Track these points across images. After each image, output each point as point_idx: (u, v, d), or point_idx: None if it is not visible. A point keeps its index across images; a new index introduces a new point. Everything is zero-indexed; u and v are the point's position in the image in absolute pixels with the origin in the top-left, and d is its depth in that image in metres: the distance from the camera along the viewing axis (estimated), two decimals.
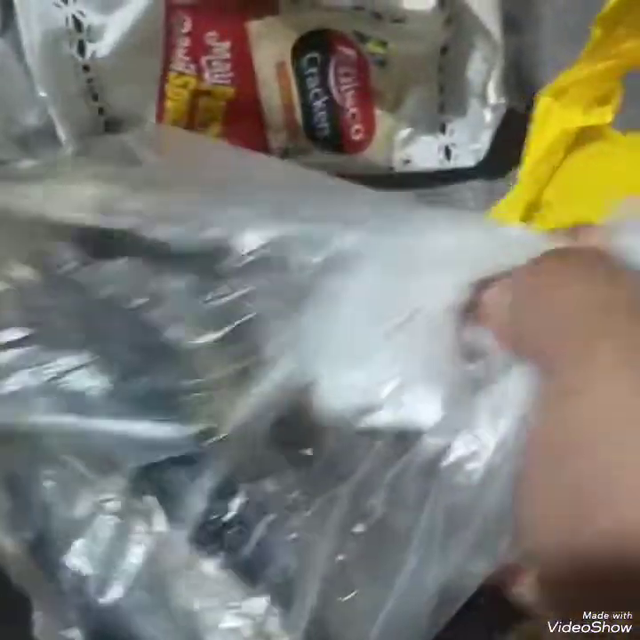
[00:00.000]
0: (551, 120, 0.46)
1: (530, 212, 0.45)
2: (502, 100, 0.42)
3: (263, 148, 0.44)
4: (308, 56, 0.42)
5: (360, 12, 0.39)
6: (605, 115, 0.46)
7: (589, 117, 0.46)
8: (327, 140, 0.44)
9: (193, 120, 0.43)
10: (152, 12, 0.40)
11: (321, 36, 0.41)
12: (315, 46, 0.41)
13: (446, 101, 0.44)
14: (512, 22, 0.43)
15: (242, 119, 0.43)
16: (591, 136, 0.45)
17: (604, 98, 0.45)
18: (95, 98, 0.43)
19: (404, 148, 0.44)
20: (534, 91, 0.45)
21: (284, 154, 0.44)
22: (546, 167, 0.45)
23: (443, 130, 0.44)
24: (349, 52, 0.41)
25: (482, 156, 0.44)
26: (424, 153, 0.45)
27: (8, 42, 0.42)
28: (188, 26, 0.40)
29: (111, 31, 0.40)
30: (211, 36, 0.40)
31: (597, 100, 0.45)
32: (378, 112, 0.43)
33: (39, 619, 0.31)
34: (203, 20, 0.40)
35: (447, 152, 0.44)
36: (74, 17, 0.40)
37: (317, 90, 0.42)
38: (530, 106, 0.46)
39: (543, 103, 0.45)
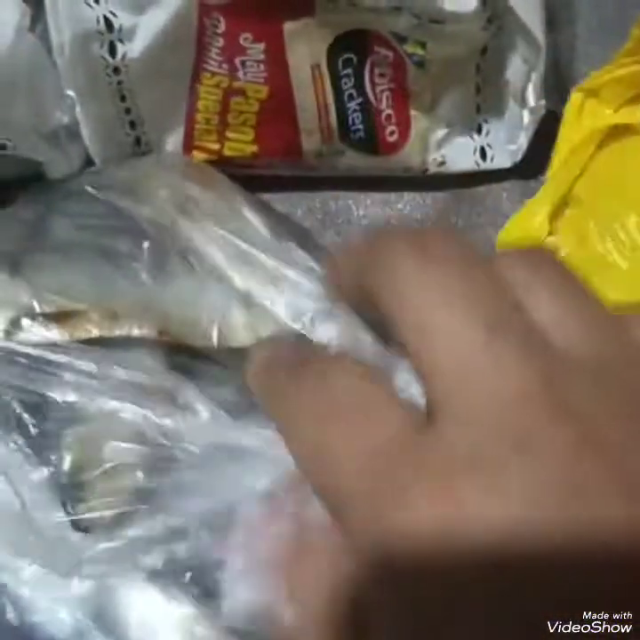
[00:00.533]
0: (582, 117, 0.45)
1: (559, 209, 0.44)
2: (542, 102, 0.41)
3: (296, 150, 0.43)
4: (344, 57, 0.41)
5: (398, 12, 0.39)
6: (636, 114, 0.45)
7: (620, 116, 0.45)
8: (361, 142, 0.43)
9: (225, 120, 0.42)
10: (185, 12, 0.39)
11: (357, 37, 0.40)
12: (350, 47, 0.40)
13: (484, 102, 0.43)
14: (549, 20, 0.42)
15: (275, 121, 0.42)
16: (623, 132, 0.45)
17: (636, 97, 0.45)
18: (123, 99, 0.42)
19: (438, 150, 0.44)
20: (571, 90, 0.44)
21: (318, 156, 0.43)
22: (575, 163, 0.44)
23: (479, 131, 0.43)
24: (387, 52, 0.40)
25: (519, 157, 0.43)
26: (459, 154, 0.44)
27: (38, 36, 0.41)
28: (222, 26, 0.39)
29: (143, 32, 0.39)
30: (245, 38, 0.39)
31: (630, 99, 0.45)
32: (413, 113, 0.42)
33: None
34: (237, 20, 0.39)
35: (483, 153, 0.44)
36: (105, 17, 0.39)
37: (352, 91, 0.41)
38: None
39: (575, 100, 0.44)
